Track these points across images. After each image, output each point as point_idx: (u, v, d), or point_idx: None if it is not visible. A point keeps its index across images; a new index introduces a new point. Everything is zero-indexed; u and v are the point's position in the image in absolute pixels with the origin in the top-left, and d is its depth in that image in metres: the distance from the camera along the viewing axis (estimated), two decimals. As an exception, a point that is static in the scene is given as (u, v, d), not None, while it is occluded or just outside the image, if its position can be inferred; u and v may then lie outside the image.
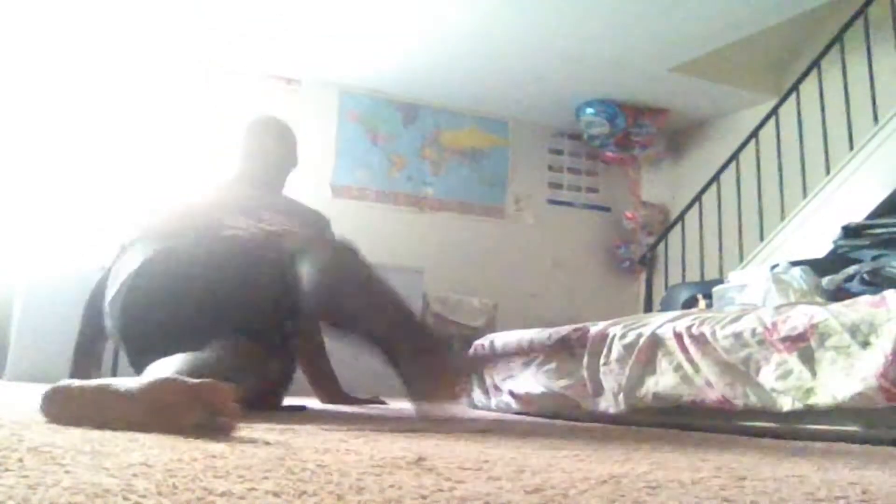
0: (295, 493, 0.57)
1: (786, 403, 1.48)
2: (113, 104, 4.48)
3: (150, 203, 2.11)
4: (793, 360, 1.48)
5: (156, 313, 1.61)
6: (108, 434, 0.93)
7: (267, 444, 0.90)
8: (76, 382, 1.11)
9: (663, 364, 1.76)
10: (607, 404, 1.89)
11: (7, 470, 0.60)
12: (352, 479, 0.65)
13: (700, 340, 1.67)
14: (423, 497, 0.58)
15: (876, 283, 2.40)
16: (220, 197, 1.98)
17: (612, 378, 1.89)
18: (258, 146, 2.12)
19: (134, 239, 1.85)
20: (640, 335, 1.84)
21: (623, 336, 1.89)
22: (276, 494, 0.56)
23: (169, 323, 1.58)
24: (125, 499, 0.51)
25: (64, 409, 1.06)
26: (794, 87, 4.07)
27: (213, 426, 0.96)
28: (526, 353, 2.25)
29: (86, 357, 2.00)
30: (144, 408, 0.99)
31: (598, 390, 1.93)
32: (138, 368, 1.54)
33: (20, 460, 0.66)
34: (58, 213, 4.19)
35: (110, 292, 1.71)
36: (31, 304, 3.58)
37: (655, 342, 1.79)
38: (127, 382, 1.04)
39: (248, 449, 0.84)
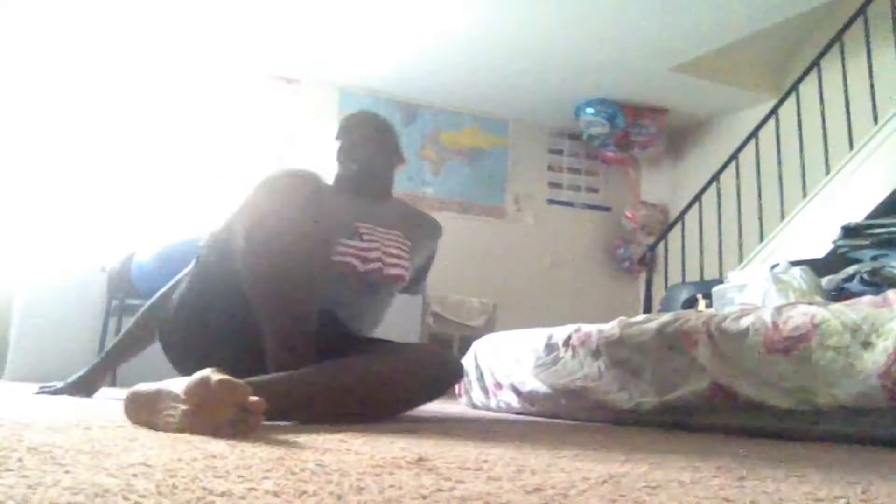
0: (295, 493, 0.57)
1: (786, 403, 1.48)
2: (111, 105, 4.48)
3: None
4: (793, 360, 1.48)
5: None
6: (108, 434, 0.93)
7: (267, 444, 0.90)
8: (143, 386, 1.13)
9: (664, 362, 1.76)
10: (609, 403, 1.89)
11: (7, 470, 0.60)
12: (352, 479, 0.65)
13: (700, 340, 1.68)
14: (423, 497, 0.58)
15: (876, 283, 2.40)
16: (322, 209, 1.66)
17: (614, 376, 1.89)
18: (353, 149, 1.96)
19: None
20: (641, 335, 1.84)
21: (625, 335, 1.89)
22: (276, 494, 0.56)
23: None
24: (125, 499, 0.51)
25: (133, 412, 1.13)
26: (794, 87, 4.07)
27: (243, 423, 0.97)
28: (528, 353, 2.25)
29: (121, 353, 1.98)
30: (187, 408, 1.00)
31: (600, 390, 1.93)
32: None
33: (20, 460, 0.66)
34: (58, 215, 4.19)
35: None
36: (31, 304, 3.58)
37: (657, 341, 1.79)
38: (177, 383, 1.06)
39: (248, 449, 0.84)
